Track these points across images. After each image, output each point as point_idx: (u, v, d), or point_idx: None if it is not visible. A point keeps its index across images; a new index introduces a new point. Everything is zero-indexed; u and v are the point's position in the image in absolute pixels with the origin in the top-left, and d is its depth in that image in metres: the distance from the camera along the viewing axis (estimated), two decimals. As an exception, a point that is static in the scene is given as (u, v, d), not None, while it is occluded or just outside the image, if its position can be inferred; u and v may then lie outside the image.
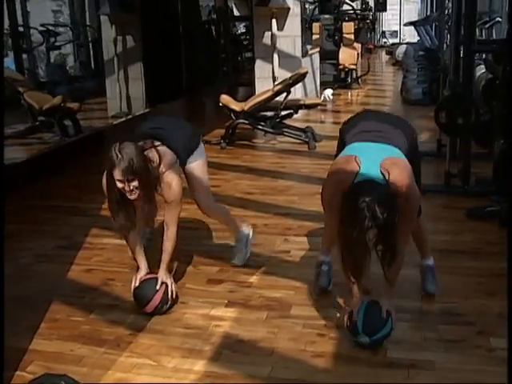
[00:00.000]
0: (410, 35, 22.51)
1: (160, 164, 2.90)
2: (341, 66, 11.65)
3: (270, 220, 4.42)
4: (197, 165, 3.26)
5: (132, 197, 2.77)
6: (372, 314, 2.60)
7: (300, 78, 6.74)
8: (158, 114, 3.38)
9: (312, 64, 9.81)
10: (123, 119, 8.98)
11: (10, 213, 4.74)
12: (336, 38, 12.01)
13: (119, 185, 2.73)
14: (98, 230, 4.22)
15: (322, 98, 9.87)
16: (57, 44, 14.22)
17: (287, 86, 6.68)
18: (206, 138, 7.58)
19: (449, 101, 4.54)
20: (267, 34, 8.56)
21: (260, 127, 6.97)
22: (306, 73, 6.75)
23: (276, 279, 3.39)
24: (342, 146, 2.83)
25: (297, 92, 8.61)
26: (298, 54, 8.68)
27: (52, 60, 14.03)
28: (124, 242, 3.17)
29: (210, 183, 3.47)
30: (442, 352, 2.59)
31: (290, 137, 6.94)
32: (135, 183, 2.72)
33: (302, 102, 7.13)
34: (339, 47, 11.77)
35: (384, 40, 26.94)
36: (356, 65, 11.90)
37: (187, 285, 3.37)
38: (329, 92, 10.13)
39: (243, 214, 4.56)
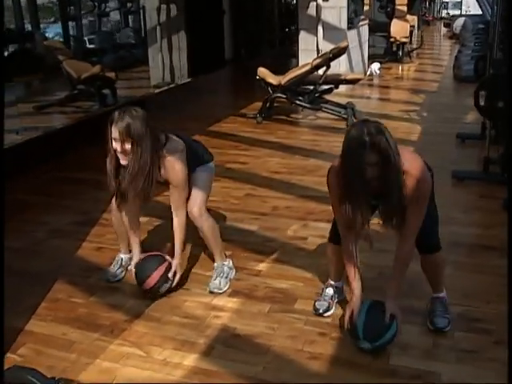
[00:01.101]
0: (476, 6, 21.45)
1: (165, 145, 2.75)
2: (392, 39, 11.16)
3: (293, 202, 4.23)
4: (201, 174, 3.04)
5: (123, 161, 2.65)
6: (374, 318, 2.39)
7: (341, 51, 6.43)
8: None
9: (360, 37, 9.42)
10: (165, 88, 8.91)
11: (35, 185, 4.80)
12: (388, 9, 11.48)
13: (114, 144, 2.63)
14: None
15: (369, 72, 9.50)
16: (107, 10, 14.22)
17: (327, 61, 6.39)
18: (244, 111, 7.44)
19: (489, 82, 4.18)
20: (312, 5, 8.24)
21: (297, 102, 6.72)
22: (347, 47, 6.43)
23: (286, 268, 3.22)
24: None
25: (341, 65, 8.30)
26: (344, 25, 8.33)
27: (101, 27, 14.04)
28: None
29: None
30: (452, 363, 2.37)
31: (329, 113, 6.68)
32: (129, 146, 2.60)
33: (342, 77, 6.83)
34: (391, 19, 11.26)
35: (446, 11, 25.81)
36: (408, 38, 11.38)
37: (194, 270, 3.25)
38: (375, 66, 9.72)
39: (266, 194, 4.41)
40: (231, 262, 3.17)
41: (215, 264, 3.11)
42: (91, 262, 3.41)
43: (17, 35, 10.04)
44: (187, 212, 2.95)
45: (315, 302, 2.78)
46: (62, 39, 10.16)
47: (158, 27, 9.11)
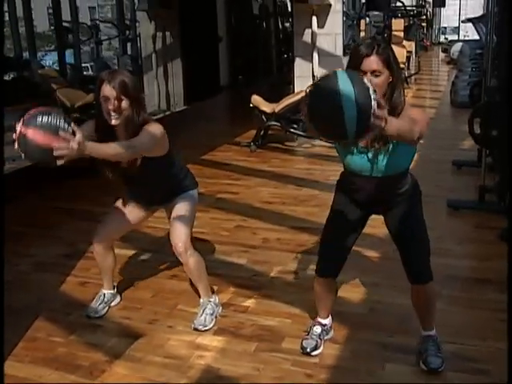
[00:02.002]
0: (474, 31, 21.57)
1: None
2: (389, 65, 11.15)
3: (284, 234, 4.14)
4: (184, 205, 2.90)
5: (115, 121, 2.54)
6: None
7: (334, 79, 6.38)
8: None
9: (355, 63, 9.41)
10: (161, 115, 8.89)
11: (24, 214, 4.72)
12: (385, 35, 11.50)
13: (105, 105, 2.52)
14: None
15: (365, 98, 9.44)
16: (103, 38, 14.26)
17: (320, 88, 6.34)
18: (238, 139, 7.38)
19: (483, 109, 4.11)
20: (307, 32, 8.22)
21: (291, 130, 6.67)
22: (341, 74, 6.38)
23: (274, 304, 3.11)
24: None
25: (337, 92, 8.25)
26: (339, 52, 8.29)
27: (99, 54, 14.09)
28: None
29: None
30: (444, 407, 2.26)
31: (323, 141, 6.61)
32: (124, 104, 2.52)
33: (337, 105, 6.76)
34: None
35: (444, 36, 26.00)
36: (406, 63, 11.38)
37: (179, 306, 3.15)
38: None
39: (256, 225, 4.32)
40: (217, 298, 3.07)
41: (201, 300, 3.01)
42: (74, 297, 3.31)
43: (14, 63, 10.09)
44: (174, 248, 2.81)
45: (302, 340, 2.67)
46: (58, 67, 10.18)
47: (153, 55, 9.13)
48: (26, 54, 11.38)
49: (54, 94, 7.29)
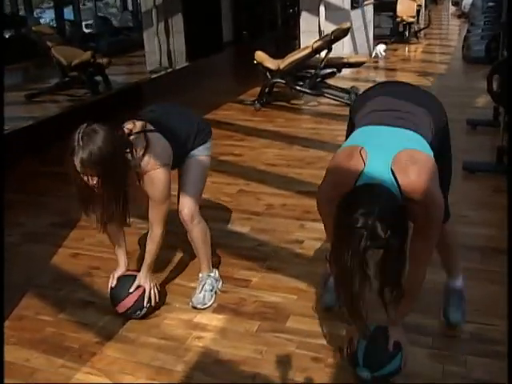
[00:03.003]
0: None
1: (145, 153, 2.37)
2: (398, 19, 10.71)
3: (289, 199, 3.90)
4: (194, 165, 2.64)
5: (97, 191, 2.30)
6: (376, 345, 2.07)
7: (342, 33, 6.05)
8: (167, 103, 2.82)
9: (364, 17, 9.00)
10: (162, 73, 8.57)
11: (15, 182, 4.48)
12: (395, -13, 11.03)
13: (83, 177, 2.25)
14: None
15: (374, 54, 9.09)
16: (103, -7, 13.72)
17: (327, 43, 6.02)
18: (242, 98, 7.09)
19: (503, 65, 3.81)
20: (314, -16, 7.84)
21: (297, 88, 6.36)
22: (349, 28, 6.04)
23: (279, 278, 2.90)
24: (350, 129, 2.26)
25: (345, 47, 7.92)
26: (347, 5, 7.93)
27: (98, 11, 13.62)
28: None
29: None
30: (465, 397, 2.06)
31: (330, 98, 6.32)
32: (96, 179, 2.23)
33: (345, 61, 6.45)
34: (398, -3, 10.82)
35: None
36: (415, 17, 10.93)
37: (177, 280, 2.95)
38: (381, 48, 9.30)
39: (260, 190, 4.08)
40: (217, 272, 2.86)
41: (200, 275, 2.79)
42: (65, 271, 3.12)
43: (9, 20, 9.69)
44: (180, 213, 2.62)
45: (321, 296, 2.58)
46: (55, 24, 9.80)
47: (153, 10, 8.74)
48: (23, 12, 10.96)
49: (50, 51, 6.96)
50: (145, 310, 2.57)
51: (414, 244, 1.92)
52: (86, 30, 12.66)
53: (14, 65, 7.14)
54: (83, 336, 2.51)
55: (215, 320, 2.58)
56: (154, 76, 8.36)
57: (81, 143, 2.18)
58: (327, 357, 2.29)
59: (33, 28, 7.71)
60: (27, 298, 2.85)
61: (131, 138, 2.37)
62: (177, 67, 8.86)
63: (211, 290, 2.73)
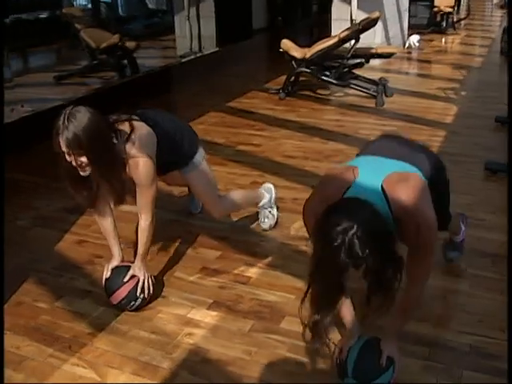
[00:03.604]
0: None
1: (129, 137, 2.38)
2: (436, 9, 10.41)
3: (301, 193, 3.79)
4: (196, 175, 2.83)
5: (82, 173, 2.29)
6: (367, 357, 1.99)
7: (371, 23, 5.89)
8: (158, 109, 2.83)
9: (399, 5, 8.77)
10: (192, 57, 8.54)
11: (30, 163, 4.50)
12: (435, -26, 10.71)
13: (66, 157, 2.25)
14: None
15: (407, 44, 8.86)
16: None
17: (356, 33, 5.87)
18: (268, 86, 7.00)
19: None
20: (347, -30, 7.66)
21: (323, 78, 6.23)
22: (378, 18, 5.87)
23: (279, 276, 2.84)
24: None
25: (377, 37, 7.74)
26: (381, -7, 7.73)
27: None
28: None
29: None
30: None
31: (357, 89, 6.17)
32: (83, 159, 2.22)
33: (373, 51, 6.28)
34: (436, -14, 10.51)
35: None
36: (454, 7, 10.60)
37: (176, 273, 2.91)
38: (415, 38, 9.05)
39: (274, 183, 3.95)
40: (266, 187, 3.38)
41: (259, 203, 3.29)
42: (68, 258, 3.11)
43: (47, 2, 9.75)
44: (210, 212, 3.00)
45: None
46: (90, 6, 9.82)
47: (185, -6, 8.69)
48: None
49: (79, 34, 6.98)
50: (139, 300, 2.54)
51: (409, 264, 1.85)
52: (122, 14, 12.65)
53: (45, 46, 7.20)
54: (76, 326, 2.50)
55: (209, 317, 2.54)
56: (183, 60, 8.33)
57: (66, 123, 2.18)
58: (317, 363, 2.22)
59: (63, 10, 7.72)
60: (28, 283, 2.86)
61: (116, 124, 2.39)
62: (206, 52, 8.81)
63: (271, 208, 3.32)
